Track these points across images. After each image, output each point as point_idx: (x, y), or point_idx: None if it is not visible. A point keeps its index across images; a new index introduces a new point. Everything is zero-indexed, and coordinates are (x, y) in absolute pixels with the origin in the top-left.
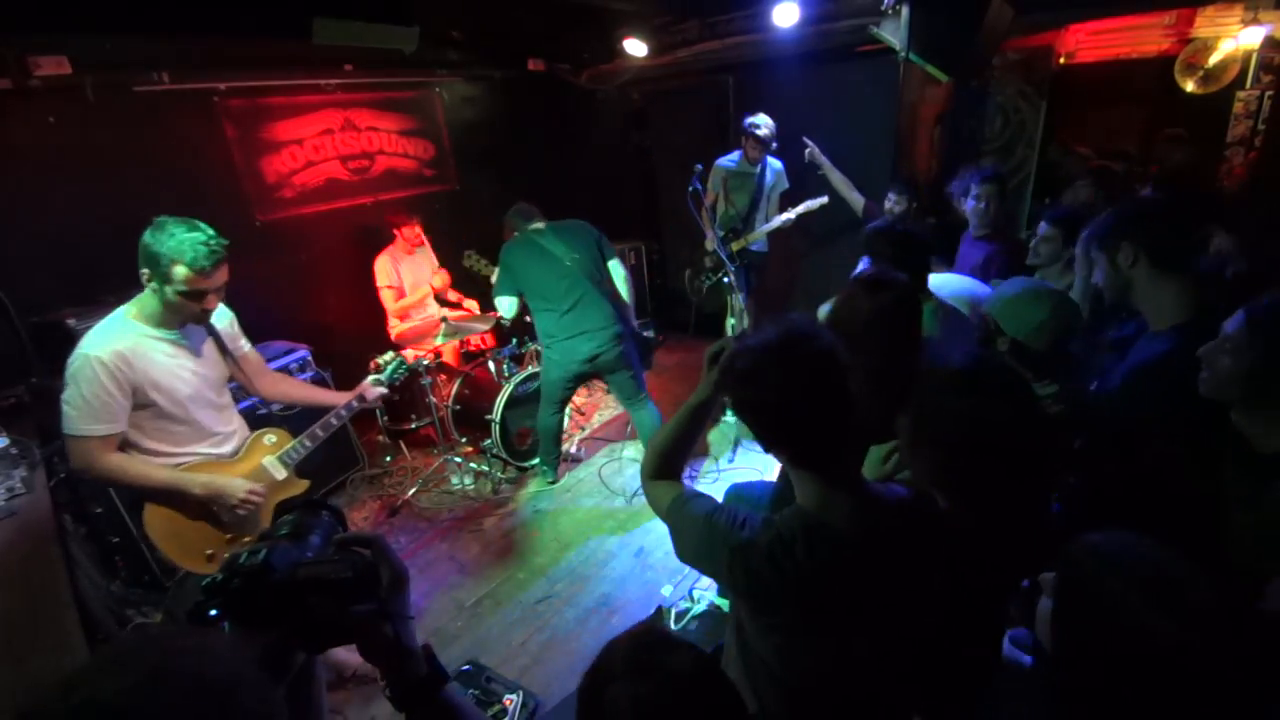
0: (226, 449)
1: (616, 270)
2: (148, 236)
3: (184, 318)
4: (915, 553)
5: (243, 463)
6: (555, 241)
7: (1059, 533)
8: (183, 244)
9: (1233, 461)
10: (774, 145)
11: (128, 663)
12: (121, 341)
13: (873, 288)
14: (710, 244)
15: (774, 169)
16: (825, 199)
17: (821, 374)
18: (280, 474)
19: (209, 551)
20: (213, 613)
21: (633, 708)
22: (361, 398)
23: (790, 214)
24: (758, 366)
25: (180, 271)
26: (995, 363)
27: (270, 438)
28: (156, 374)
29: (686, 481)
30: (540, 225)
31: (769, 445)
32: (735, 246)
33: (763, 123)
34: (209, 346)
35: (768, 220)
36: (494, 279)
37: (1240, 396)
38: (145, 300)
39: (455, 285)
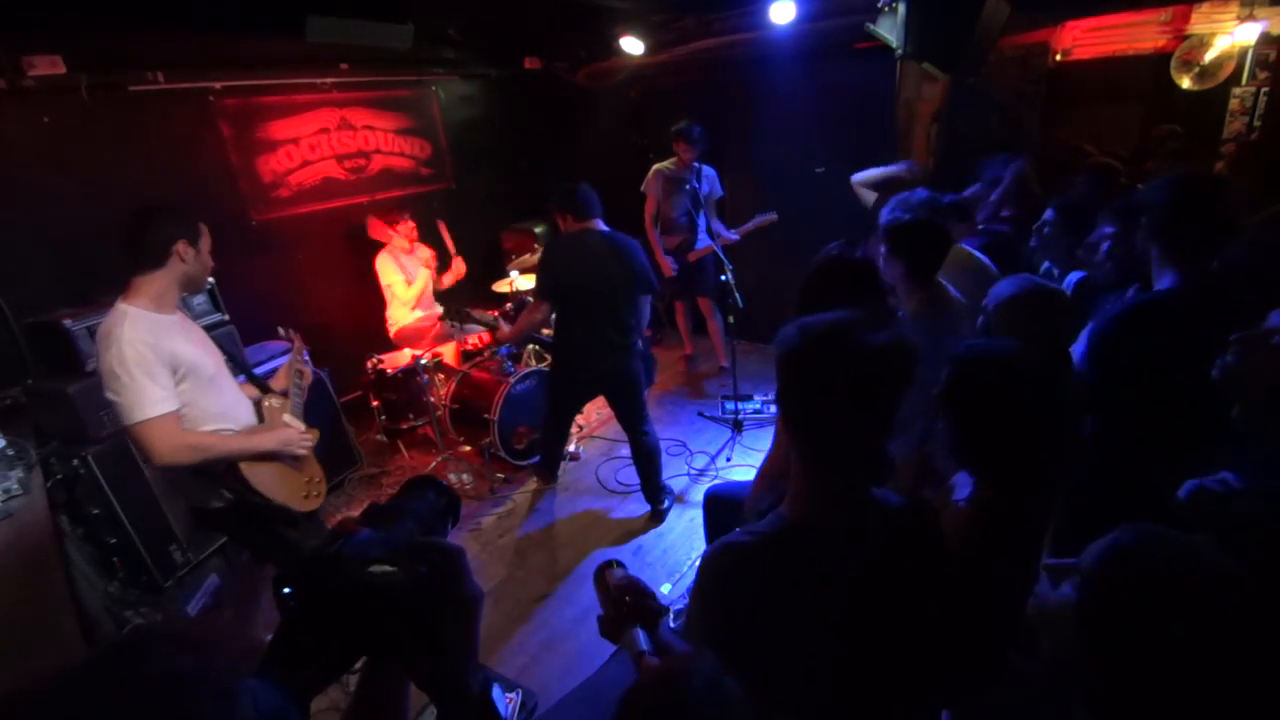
0: (253, 422)
1: (648, 304)
2: (173, 213)
3: (201, 278)
4: (905, 561)
5: (273, 426)
6: (609, 248)
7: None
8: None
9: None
10: (697, 151)
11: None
12: (144, 324)
13: (828, 265)
14: (666, 267)
15: (707, 175)
16: (774, 215)
17: (857, 377)
18: (300, 426)
19: (303, 494)
20: (286, 589)
21: None
22: (299, 373)
23: (734, 234)
24: (801, 349)
25: (204, 228)
26: (1034, 351)
27: (274, 401)
28: (182, 349)
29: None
30: (598, 229)
31: (789, 429)
32: (693, 257)
33: (687, 130)
34: (199, 330)
35: (709, 227)
36: (534, 276)
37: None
38: (147, 283)
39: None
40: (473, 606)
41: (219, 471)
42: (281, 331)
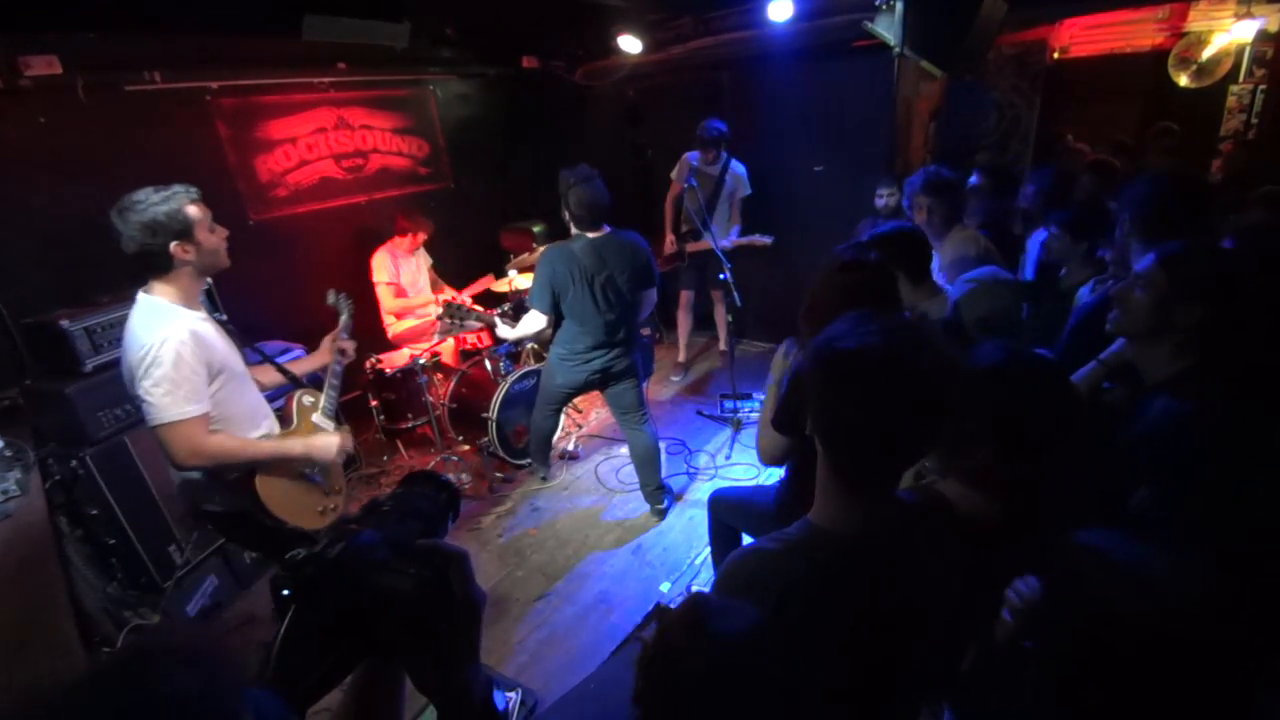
0: (277, 426)
1: (650, 297)
2: (148, 214)
3: (218, 260)
4: (931, 562)
5: (302, 428)
6: (597, 259)
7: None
8: (170, 193)
9: (1125, 389)
10: (711, 147)
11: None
12: (184, 321)
13: (846, 268)
14: (668, 245)
15: (734, 173)
16: (771, 239)
17: (908, 398)
18: (330, 426)
19: (319, 508)
20: (285, 592)
21: (708, 677)
22: (341, 351)
23: (726, 242)
24: (837, 362)
25: (194, 211)
26: (1029, 353)
27: (308, 398)
28: (218, 349)
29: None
30: (593, 236)
31: (819, 438)
32: (690, 248)
33: (708, 127)
34: (221, 328)
35: (725, 228)
36: (530, 283)
37: (1144, 330)
38: (167, 286)
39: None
40: (476, 612)
41: (232, 485)
42: (331, 298)
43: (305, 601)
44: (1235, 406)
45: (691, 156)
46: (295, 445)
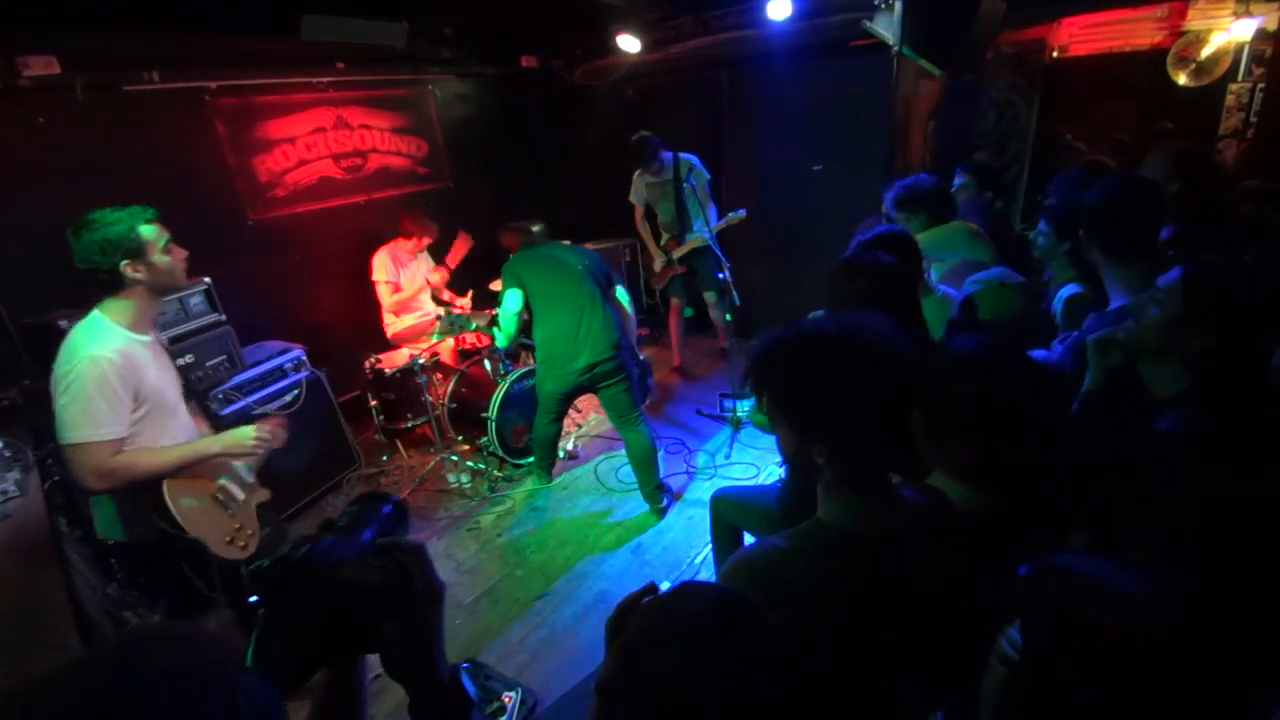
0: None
1: (623, 296)
2: (100, 233)
3: (174, 280)
4: (941, 560)
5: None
6: (565, 251)
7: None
8: (126, 213)
9: (1136, 406)
10: (653, 160)
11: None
12: (116, 342)
13: (864, 272)
14: (658, 264)
15: (687, 163)
16: (744, 212)
17: (888, 382)
18: (250, 478)
19: (227, 538)
20: (253, 599)
21: (676, 673)
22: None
23: (706, 233)
24: (834, 359)
25: (149, 230)
26: (1006, 345)
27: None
28: (149, 375)
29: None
30: (547, 244)
31: (811, 441)
32: (678, 254)
33: (649, 142)
34: (166, 357)
35: (704, 217)
36: (500, 294)
37: (1155, 345)
38: (118, 304)
39: (450, 285)
40: (438, 598)
41: (143, 490)
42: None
43: (274, 605)
44: (1221, 429)
45: (640, 171)
46: (212, 443)
